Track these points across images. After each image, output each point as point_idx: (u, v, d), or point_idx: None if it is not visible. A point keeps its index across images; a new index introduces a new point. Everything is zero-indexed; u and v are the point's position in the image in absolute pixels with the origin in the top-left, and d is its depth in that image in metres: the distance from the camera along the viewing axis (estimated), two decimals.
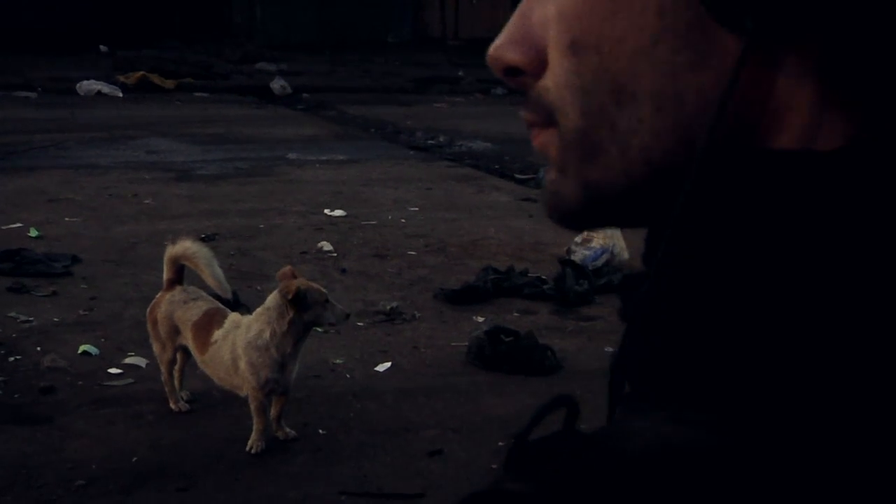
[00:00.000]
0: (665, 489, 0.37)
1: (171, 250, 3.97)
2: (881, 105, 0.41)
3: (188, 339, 3.82)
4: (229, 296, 4.08)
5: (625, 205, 0.47)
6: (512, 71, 0.49)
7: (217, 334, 3.70)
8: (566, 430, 0.44)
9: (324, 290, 3.63)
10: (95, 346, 4.50)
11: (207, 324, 3.75)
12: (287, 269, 3.70)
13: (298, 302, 3.49)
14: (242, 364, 3.58)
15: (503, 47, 0.49)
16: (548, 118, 0.49)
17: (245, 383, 3.60)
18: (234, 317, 3.75)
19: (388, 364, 4.44)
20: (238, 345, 3.60)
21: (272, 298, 3.61)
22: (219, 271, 3.94)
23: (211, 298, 3.96)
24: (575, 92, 0.46)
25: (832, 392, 0.39)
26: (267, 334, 3.54)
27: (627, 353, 0.46)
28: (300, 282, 3.56)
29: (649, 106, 0.44)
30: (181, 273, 3.99)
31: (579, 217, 0.49)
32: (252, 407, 3.60)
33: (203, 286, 4.03)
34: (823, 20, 0.39)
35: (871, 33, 0.40)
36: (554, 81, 0.47)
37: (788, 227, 0.41)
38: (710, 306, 0.42)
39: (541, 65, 0.48)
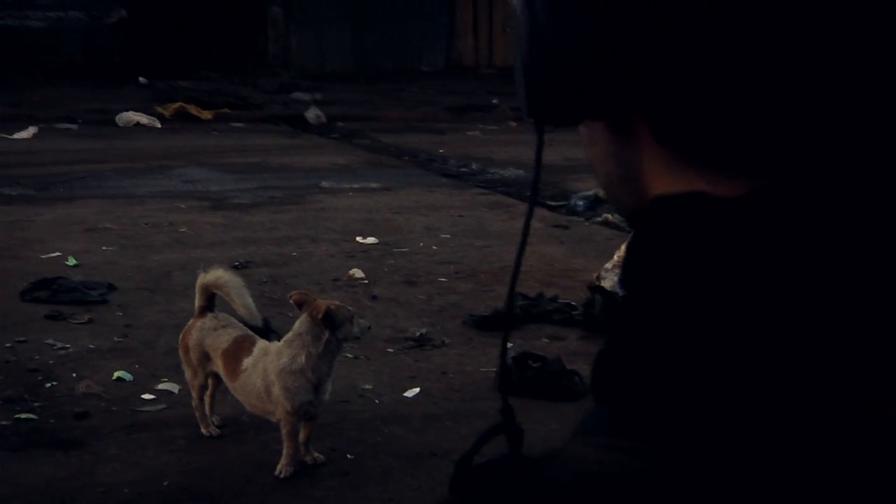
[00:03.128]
0: None
1: (203, 278, 4.04)
2: (782, 162, 0.46)
3: (219, 366, 3.87)
4: (259, 324, 4.15)
5: None
6: None
7: (247, 362, 3.75)
8: (511, 455, 0.47)
9: (349, 307, 3.76)
10: (129, 372, 4.57)
11: (236, 351, 3.81)
12: (296, 293, 3.78)
13: (329, 322, 3.56)
14: (276, 390, 3.62)
15: None
16: None
17: (278, 408, 3.65)
18: (262, 344, 3.80)
19: (417, 390, 4.47)
20: (270, 371, 3.65)
21: (302, 323, 3.66)
22: (249, 300, 4.00)
23: (241, 325, 4.02)
24: (599, 179, 0.57)
25: (747, 429, 0.42)
26: (302, 358, 3.59)
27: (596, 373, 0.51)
28: (326, 302, 3.63)
29: (618, 185, 0.54)
30: (212, 300, 4.06)
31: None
32: (284, 431, 3.64)
33: (234, 313, 4.09)
34: (619, 101, 0.48)
35: (681, 102, 0.47)
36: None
37: (683, 264, 0.46)
38: (637, 339, 0.46)
39: None
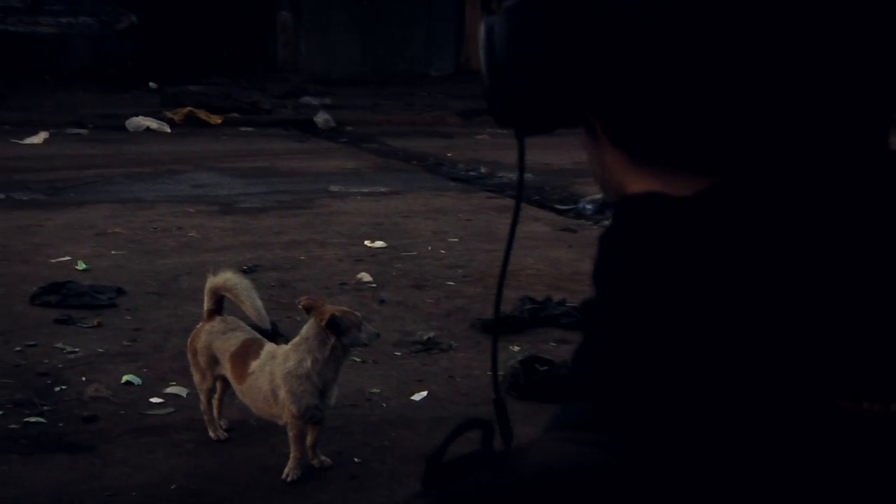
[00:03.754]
0: None
1: (212, 281, 4.06)
2: (730, 163, 0.48)
3: (227, 370, 3.88)
4: (268, 326, 4.15)
5: None
6: None
7: (254, 365, 3.76)
8: (483, 450, 0.48)
9: (357, 314, 3.75)
10: (138, 375, 4.59)
11: (244, 354, 3.82)
12: (305, 298, 3.78)
13: (334, 328, 3.56)
14: (282, 393, 3.63)
15: None
16: None
17: (285, 412, 3.65)
18: (269, 347, 3.81)
19: (424, 393, 4.47)
20: (277, 375, 3.66)
21: (309, 328, 3.67)
22: (258, 302, 4.01)
23: (249, 329, 4.03)
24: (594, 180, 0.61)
25: (707, 424, 0.43)
26: (308, 363, 3.60)
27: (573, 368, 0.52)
28: (333, 308, 3.64)
29: (605, 186, 0.57)
30: (221, 303, 4.07)
31: None
32: (291, 435, 3.65)
33: (243, 317, 4.10)
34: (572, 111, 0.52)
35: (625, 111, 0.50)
36: None
37: (641, 263, 0.49)
38: (602, 336, 0.48)
39: None
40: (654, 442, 0.42)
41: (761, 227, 0.45)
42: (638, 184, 0.51)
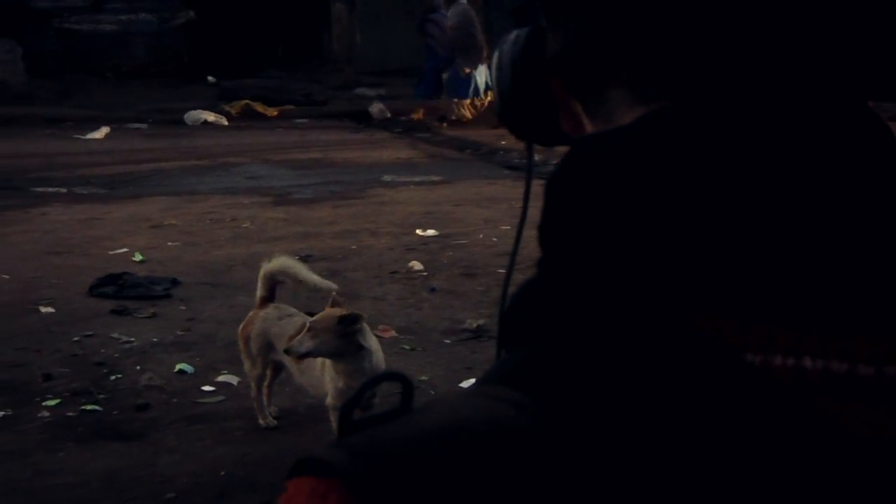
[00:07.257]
0: (450, 462, 0.39)
1: (267, 267, 4.09)
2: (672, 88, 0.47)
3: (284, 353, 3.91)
4: (334, 287, 4.13)
5: None
6: None
7: None
8: (401, 405, 0.47)
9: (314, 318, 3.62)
10: (190, 364, 4.65)
11: None
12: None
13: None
14: (327, 372, 3.67)
15: None
16: None
17: (328, 391, 3.68)
18: None
19: (473, 381, 4.46)
20: None
21: None
22: (316, 277, 4.06)
23: (303, 315, 4.06)
24: None
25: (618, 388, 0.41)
26: None
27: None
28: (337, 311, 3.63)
29: None
30: (274, 291, 4.11)
31: None
32: (332, 419, 3.67)
33: (293, 303, 4.13)
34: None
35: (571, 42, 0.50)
36: None
37: (574, 200, 0.48)
38: (530, 287, 0.46)
39: None
40: (570, 402, 0.41)
41: (684, 161, 0.44)
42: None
